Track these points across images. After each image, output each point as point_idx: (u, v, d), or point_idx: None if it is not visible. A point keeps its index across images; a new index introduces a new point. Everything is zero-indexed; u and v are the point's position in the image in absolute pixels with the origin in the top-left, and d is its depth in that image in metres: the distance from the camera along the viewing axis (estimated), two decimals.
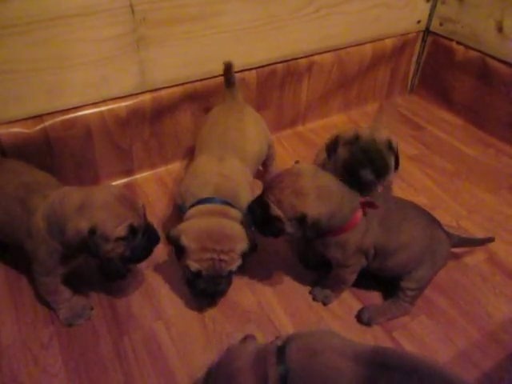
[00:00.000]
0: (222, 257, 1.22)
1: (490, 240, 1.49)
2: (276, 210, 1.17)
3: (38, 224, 1.15)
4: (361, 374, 0.84)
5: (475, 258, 1.55)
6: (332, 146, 1.38)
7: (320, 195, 1.16)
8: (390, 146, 1.32)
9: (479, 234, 1.61)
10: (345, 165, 1.31)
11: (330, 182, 1.21)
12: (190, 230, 1.25)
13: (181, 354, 1.25)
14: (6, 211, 1.23)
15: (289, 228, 1.19)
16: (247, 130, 1.55)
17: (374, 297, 1.42)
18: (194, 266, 1.23)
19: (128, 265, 1.28)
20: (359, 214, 1.22)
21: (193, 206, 1.32)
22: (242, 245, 1.26)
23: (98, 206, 1.10)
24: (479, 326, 1.34)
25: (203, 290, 1.27)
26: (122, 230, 1.12)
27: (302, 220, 1.15)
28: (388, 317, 1.35)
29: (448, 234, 1.36)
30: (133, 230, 1.15)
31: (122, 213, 1.12)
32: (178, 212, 1.47)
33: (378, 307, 1.37)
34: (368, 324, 1.33)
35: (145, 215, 1.21)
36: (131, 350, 1.26)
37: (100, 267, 1.45)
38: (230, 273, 1.27)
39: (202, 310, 1.36)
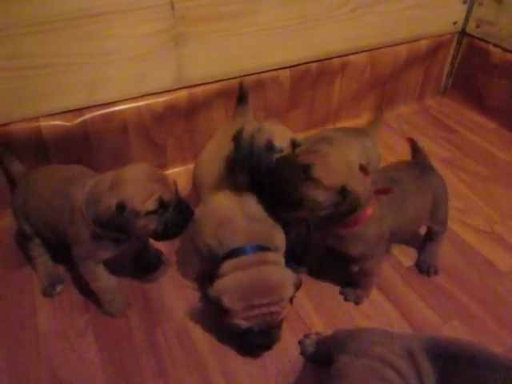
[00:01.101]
0: (272, 309, 1.12)
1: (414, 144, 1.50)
2: (320, 172, 1.07)
3: (79, 210, 1.18)
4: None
5: (510, 264, 1.52)
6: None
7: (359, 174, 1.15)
8: (270, 147, 1.19)
9: None
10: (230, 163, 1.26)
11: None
12: (231, 288, 1.13)
13: (213, 346, 1.27)
14: (50, 207, 1.27)
15: (322, 198, 1.07)
16: None
17: (406, 296, 1.41)
18: (243, 324, 1.13)
19: (162, 241, 1.26)
20: (373, 202, 1.18)
21: (225, 257, 1.19)
22: (290, 290, 1.16)
23: (126, 181, 1.11)
24: None
25: (257, 345, 1.20)
26: (151, 204, 1.11)
27: (342, 192, 1.07)
28: (438, 255, 1.50)
29: (432, 167, 1.43)
30: (162, 204, 1.13)
31: (150, 186, 1.12)
32: None
33: (427, 255, 1.49)
34: (436, 273, 1.47)
35: (176, 191, 1.19)
36: (164, 341, 1.28)
37: (134, 258, 1.47)
38: (282, 320, 1.19)
39: None
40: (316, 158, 1.10)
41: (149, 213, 1.12)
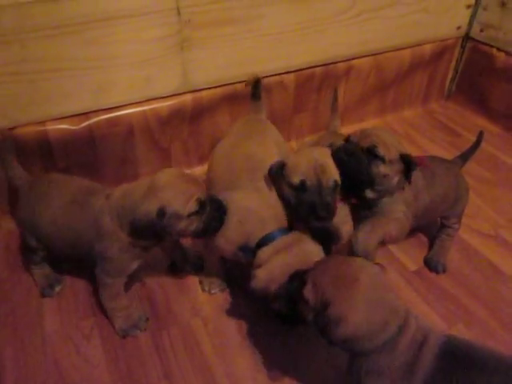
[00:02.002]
0: None
1: (481, 135, 1.63)
2: (382, 150, 1.25)
3: (108, 223, 1.18)
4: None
5: None
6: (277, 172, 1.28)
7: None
8: (335, 188, 1.23)
9: None
10: (294, 206, 1.25)
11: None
12: (277, 273, 1.11)
13: (217, 350, 1.27)
14: (68, 221, 1.25)
15: (391, 171, 1.27)
16: (271, 151, 1.40)
17: (411, 300, 1.41)
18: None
19: (203, 237, 1.28)
20: None
21: (259, 246, 1.19)
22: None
23: (164, 187, 1.13)
24: None
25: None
26: (192, 206, 1.14)
27: (403, 160, 1.27)
28: (447, 253, 1.53)
29: (455, 163, 1.55)
30: (201, 204, 1.17)
31: (187, 189, 1.15)
32: None
33: (436, 252, 1.53)
34: (444, 270, 1.50)
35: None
36: (169, 345, 1.28)
37: (171, 264, 1.49)
38: None
39: (239, 309, 1.38)
40: (373, 139, 1.27)
41: (191, 214, 1.15)
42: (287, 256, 1.14)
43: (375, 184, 1.28)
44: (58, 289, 1.42)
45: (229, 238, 1.24)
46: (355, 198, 1.36)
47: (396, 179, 1.29)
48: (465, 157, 1.60)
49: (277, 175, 1.25)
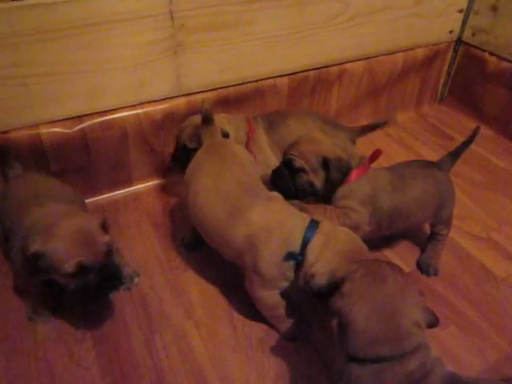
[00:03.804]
0: None
1: (477, 130, 1.53)
2: (299, 161, 1.33)
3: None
4: None
5: (507, 270, 1.53)
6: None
7: (332, 141, 1.35)
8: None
9: (510, 247, 1.61)
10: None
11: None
12: (337, 261, 1.11)
13: (210, 354, 1.27)
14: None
15: (314, 178, 1.33)
16: (250, 169, 1.37)
17: None
18: None
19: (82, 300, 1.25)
20: (365, 166, 1.37)
21: (304, 245, 1.16)
22: None
23: (55, 235, 1.11)
24: (510, 340, 1.33)
25: None
26: (69, 267, 1.11)
27: (325, 164, 1.28)
28: (439, 257, 1.53)
29: (440, 166, 1.48)
30: (82, 268, 1.12)
31: (73, 248, 1.11)
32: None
33: (428, 255, 1.52)
34: (435, 274, 1.50)
35: (108, 253, 1.18)
36: (162, 348, 1.28)
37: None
38: None
39: (231, 311, 1.39)
40: (291, 151, 1.35)
41: (67, 274, 1.12)
42: (337, 244, 1.13)
43: (307, 193, 1.38)
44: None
45: (274, 255, 1.18)
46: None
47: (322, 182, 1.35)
48: (455, 154, 1.52)
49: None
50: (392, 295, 0.91)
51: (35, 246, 1.10)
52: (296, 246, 1.16)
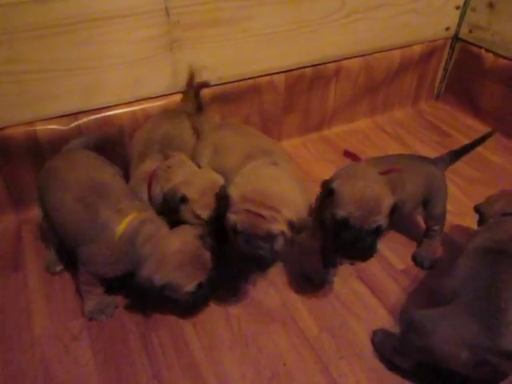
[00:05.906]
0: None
1: (490, 134, 1.57)
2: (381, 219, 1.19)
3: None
4: None
5: None
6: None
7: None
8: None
9: None
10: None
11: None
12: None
13: (206, 351, 1.28)
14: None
15: (385, 224, 1.21)
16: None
17: (398, 299, 1.42)
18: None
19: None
20: None
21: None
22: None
23: (174, 266, 1.22)
24: None
25: (241, 252, 1.20)
26: (192, 287, 1.25)
27: (394, 210, 1.22)
28: (435, 251, 1.55)
29: (435, 162, 1.50)
30: (200, 286, 1.26)
31: (193, 273, 1.25)
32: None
33: (424, 249, 1.55)
34: (430, 266, 1.52)
35: (213, 262, 1.30)
36: (158, 345, 1.29)
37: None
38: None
39: (227, 308, 1.39)
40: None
41: (187, 292, 1.25)
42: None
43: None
44: (59, 269, 1.49)
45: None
46: None
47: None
48: (457, 154, 1.56)
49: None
50: None
51: (157, 278, 1.21)
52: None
